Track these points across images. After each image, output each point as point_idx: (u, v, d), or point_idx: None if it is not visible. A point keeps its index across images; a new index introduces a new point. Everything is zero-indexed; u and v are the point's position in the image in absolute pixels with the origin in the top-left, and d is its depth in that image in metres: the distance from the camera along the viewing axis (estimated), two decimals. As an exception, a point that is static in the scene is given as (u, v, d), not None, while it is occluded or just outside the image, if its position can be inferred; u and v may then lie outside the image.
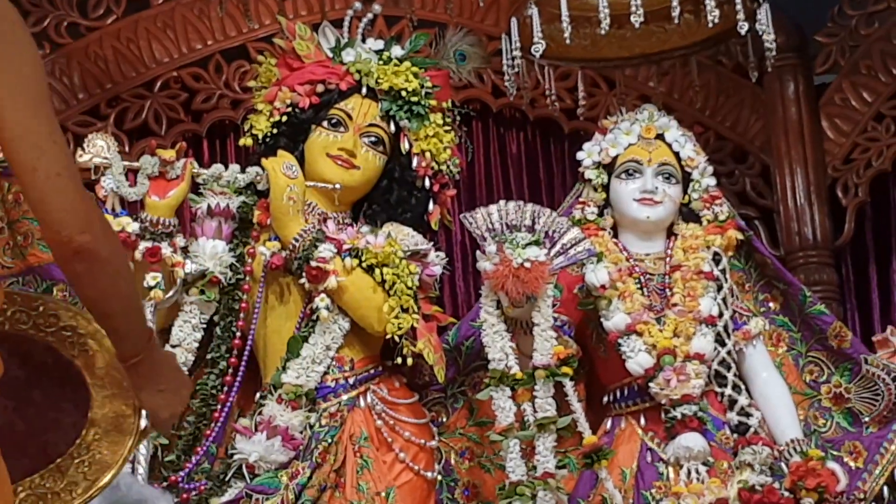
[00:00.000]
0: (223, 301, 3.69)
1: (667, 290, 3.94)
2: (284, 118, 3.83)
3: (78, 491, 2.28)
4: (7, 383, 2.20)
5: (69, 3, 4.94)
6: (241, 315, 3.69)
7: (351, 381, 3.70)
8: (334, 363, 3.68)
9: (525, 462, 3.56)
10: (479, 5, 4.86)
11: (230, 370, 3.66)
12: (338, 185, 3.78)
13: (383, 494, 3.60)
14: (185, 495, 3.52)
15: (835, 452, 3.95)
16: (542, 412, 3.56)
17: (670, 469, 3.80)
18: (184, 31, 4.97)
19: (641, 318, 3.86)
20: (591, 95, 4.97)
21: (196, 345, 3.65)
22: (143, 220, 3.60)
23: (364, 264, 3.66)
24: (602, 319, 3.88)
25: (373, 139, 3.84)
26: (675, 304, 3.90)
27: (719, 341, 3.90)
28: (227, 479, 3.57)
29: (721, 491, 3.74)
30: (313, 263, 3.62)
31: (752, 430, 3.85)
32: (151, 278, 3.54)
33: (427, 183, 3.86)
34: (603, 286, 3.88)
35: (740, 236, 4.06)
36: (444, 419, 3.93)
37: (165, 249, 3.59)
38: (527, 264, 3.59)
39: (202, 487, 3.55)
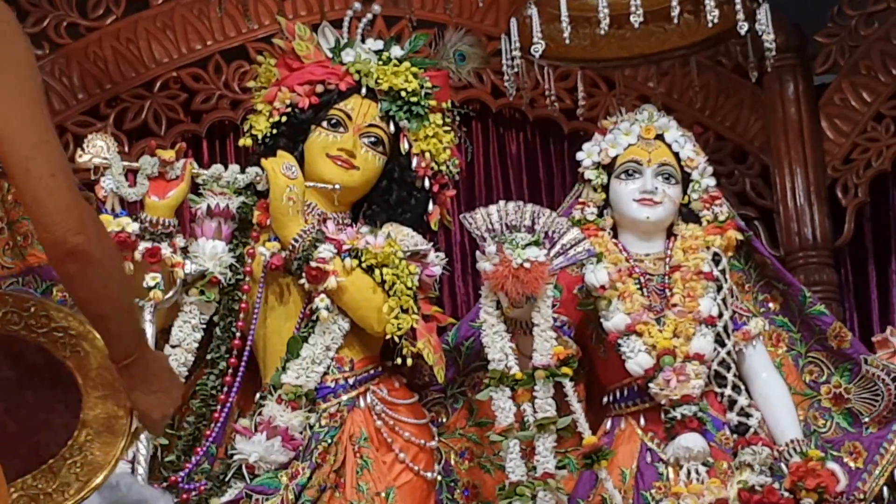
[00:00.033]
0: (223, 301, 3.69)
1: (666, 290, 3.94)
2: (284, 118, 3.83)
3: (70, 492, 2.27)
4: (-2, 384, 2.20)
5: (68, 3, 4.93)
6: (241, 315, 3.69)
7: (351, 381, 3.69)
8: (334, 363, 3.67)
9: (525, 462, 3.56)
10: (478, 5, 4.85)
11: (230, 370, 3.66)
12: (337, 186, 3.77)
13: (383, 495, 3.60)
14: (184, 495, 3.52)
15: (835, 453, 3.95)
16: (542, 413, 3.56)
17: (670, 469, 3.80)
18: (183, 32, 4.96)
19: (641, 319, 3.85)
20: (590, 96, 4.96)
21: (196, 345, 3.65)
22: (143, 221, 3.60)
23: (364, 265, 3.66)
24: (602, 320, 3.88)
25: (372, 139, 3.84)
26: (674, 305, 3.90)
27: (719, 342, 3.89)
28: (226, 479, 3.57)
29: (721, 491, 3.74)
30: (313, 264, 3.61)
31: (751, 430, 3.85)
32: (151, 279, 3.54)
33: (427, 183, 3.86)
34: (603, 286, 3.88)
35: (740, 237, 4.06)
36: (444, 419, 3.93)
37: (165, 250, 3.59)
38: (526, 265, 3.59)
39: (202, 488, 3.55)
